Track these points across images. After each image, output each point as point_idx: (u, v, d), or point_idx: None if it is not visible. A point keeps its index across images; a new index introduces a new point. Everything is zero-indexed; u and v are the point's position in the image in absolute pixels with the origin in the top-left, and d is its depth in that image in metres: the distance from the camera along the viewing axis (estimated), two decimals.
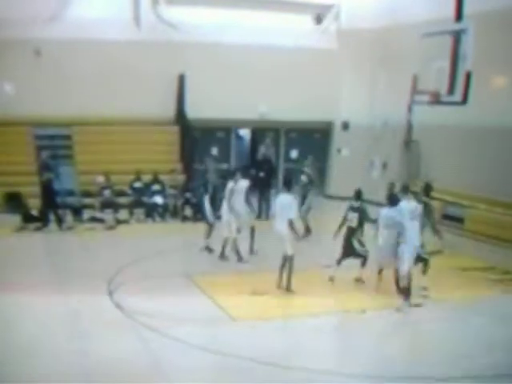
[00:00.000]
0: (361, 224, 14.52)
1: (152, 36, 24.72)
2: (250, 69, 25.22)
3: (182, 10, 25.27)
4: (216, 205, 17.20)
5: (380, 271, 14.32)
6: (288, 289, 13.96)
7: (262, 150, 23.96)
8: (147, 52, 24.20)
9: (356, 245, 14.52)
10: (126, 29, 24.55)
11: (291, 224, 13.82)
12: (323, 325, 12.30)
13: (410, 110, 22.59)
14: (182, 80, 25.22)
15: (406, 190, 13.95)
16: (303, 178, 20.17)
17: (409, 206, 13.39)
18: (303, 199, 19.51)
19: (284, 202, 14.05)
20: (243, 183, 16.50)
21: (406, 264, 13.10)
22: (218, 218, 17.02)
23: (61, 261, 16.33)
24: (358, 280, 14.65)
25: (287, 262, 13.99)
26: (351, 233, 14.52)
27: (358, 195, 14.74)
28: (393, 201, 13.77)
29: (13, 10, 22.07)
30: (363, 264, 14.63)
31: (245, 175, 16.94)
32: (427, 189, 15.03)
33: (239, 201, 16.27)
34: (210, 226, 17.29)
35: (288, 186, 14.45)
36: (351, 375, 9.92)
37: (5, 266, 15.23)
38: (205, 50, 24.66)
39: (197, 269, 15.55)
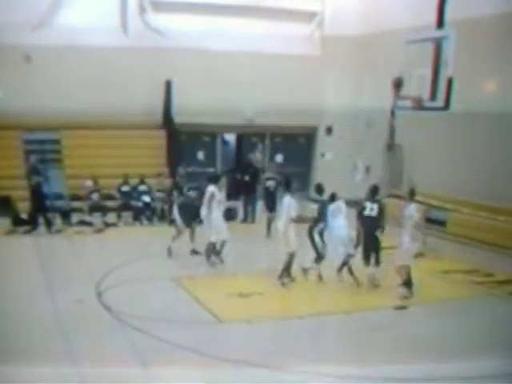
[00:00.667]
0: (320, 217, 15.08)
1: (139, 42, 25.00)
2: (236, 75, 25.41)
3: (169, 17, 25.52)
4: (187, 211, 17.49)
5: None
6: (280, 278, 14.53)
7: (256, 156, 24.29)
8: (135, 58, 24.42)
9: (316, 238, 15.09)
10: (113, 35, 24.78)
11: (294, 221, 14.43)
12: (310, 326, 12.46)
13: (392, 114, 22.85)
14: (168, 85, 25.38)
15: (413, 193, 14.42)
16: (270, 183, 20.67)
17: (418, 207, 14.27)
18: (273, 203, 20.11)
19: (284, 204, 14.64)
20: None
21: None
22: (200, 222, 17.27)
23: (50, 263, 16.45)
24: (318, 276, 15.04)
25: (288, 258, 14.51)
26: (313, 224, 15.14)
27: (333, 198, 15.24)
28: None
29: (2, 17, 22.31)
30: (316, 260, 15.08)
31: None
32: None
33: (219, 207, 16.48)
34: (179, 232, 17.42)
35: (287, 188, 15.00)
36: (340, 376, 10.04)
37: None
38: (191, 56, 24.93)
39: (184, 271, 15.69)
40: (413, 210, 14.11)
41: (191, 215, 17.45)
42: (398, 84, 18.12)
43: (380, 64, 23.90)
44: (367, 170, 24.88)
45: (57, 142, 24.54)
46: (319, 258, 15.09)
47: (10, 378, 9.31)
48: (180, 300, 13.83)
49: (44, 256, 17.30)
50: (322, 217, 15.04)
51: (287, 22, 26.84)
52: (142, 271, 15.72)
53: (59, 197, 21.77)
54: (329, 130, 27.78)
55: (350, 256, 14.84)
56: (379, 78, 23.47)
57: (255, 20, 26.27)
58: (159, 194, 22.41)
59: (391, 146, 24.24)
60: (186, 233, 17.36)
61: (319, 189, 15.46)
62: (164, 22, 25.54)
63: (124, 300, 13.28)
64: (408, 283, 14.11)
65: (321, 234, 15.08)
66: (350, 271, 14.86)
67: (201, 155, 27.30)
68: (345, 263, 14.88)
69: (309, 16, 27.67)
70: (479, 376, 9.91)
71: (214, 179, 16.94)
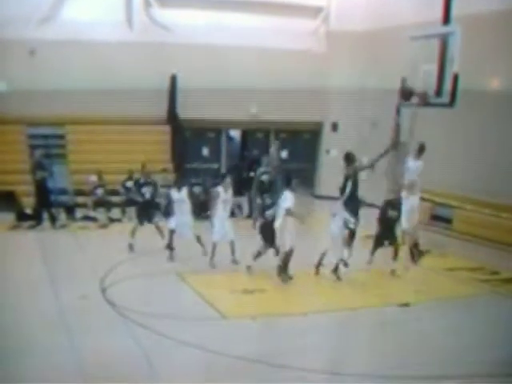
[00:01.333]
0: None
1: (144, 37, 24.96)
2: (241, 70, 25.28)
3: (174, 12, 25.53)
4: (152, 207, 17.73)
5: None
6: (279, 275, 14.60)
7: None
8: (140, 53, 24.34)
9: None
10: (118, 30, 24.72)
11: (289, 212, 14.25)
12: (313, 323, 12.37)
13: (398, 111, 22.70)
14: (173, 80, 25.40)
15: (422, 149, 14.36)
16: (265, 177, 20.56)
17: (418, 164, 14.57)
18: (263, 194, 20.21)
19: (281, 198, 14.55)
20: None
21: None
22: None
23: (54, 258, 16.43)
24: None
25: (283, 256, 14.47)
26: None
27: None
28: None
29: (7, 11, 22.27)
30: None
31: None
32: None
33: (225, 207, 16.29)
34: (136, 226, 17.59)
35: (287, 184, 14.89)
36: (342, 374, 10.03)
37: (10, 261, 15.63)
38: (197, 51, 24.84)
39: (188, 267, 15.64)
40: (420, 167, 14.11)
41: (148, 211, 17.65)
42: (405, 94, 17.94)
43: (386, 60, 23.80)
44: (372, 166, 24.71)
45: (61, 136, 24.60)
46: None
47: (10, 376, 9.30)
48: (184, 296, 13.81)
49: (48, 251, 17.27)
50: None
51: (293, 17, 26.76)
52: (146, 267, 15.74)
53: (64, 192, 21.93)
54: (334, 127, 27.76)
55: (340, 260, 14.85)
56: (385, 73, 23.39)
57: (261, 15, 26.23)
58: (163, 190, 22.35)
59: (396, 144, 24.07)
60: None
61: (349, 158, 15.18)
62: (169, 17, 25.54)
63: (128, 296, 13.30)
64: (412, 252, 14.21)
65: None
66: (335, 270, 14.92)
67: (205, 151, 27.31)
68: (337, 265, 14.91)
69: (314, 11, 27.64)
70: (483, 374, 9.89)
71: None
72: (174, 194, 16.69)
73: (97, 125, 24.35)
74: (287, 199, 14.35)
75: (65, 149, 24.40)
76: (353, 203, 14.73)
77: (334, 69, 26.83)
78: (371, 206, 17.26)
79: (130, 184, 22.29)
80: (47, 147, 22.74)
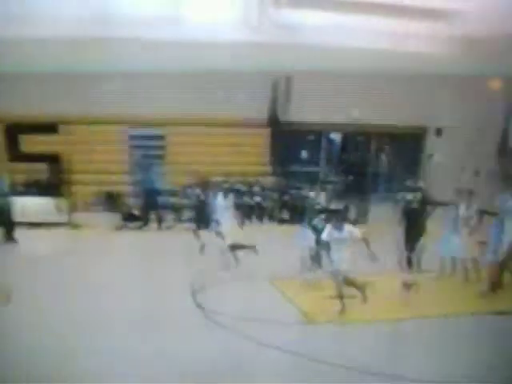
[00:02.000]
0: None
1: (259, 37, 24.56)
2: (344, 71, 24.80)
3: (292, 12, 25.20)
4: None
5: None
6: None
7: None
8: (252, 54, 24.07)
9: None
10: (232, 30, 24.73)
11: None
12: (409, 329, 12.28)
13: (506, 118, 22.13)
14: (288, 82, 25.43)
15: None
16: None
17: None
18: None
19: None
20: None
21: None
22: None
23: (150, 258, 16.78)
24: None
25: None
26: None
27: None
28: None
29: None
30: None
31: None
32: None
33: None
34: None
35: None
36: (426, 381, 9.74)
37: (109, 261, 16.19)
38: (308, 53, 24.42)
39: (278, 272, 15.37)
40: None
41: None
42: None
43: None
44: (476, 173, 24.19)
45: (161, 138, 24.95)
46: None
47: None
48: (272, 300, 13.72)
49: (147, 251, 17.65)
50: None
51: (422, 20, 25.91)
52: (235, 270, 15.76)
53: (172, 194, 22.23)
54: (438, 132, 27.21)
55: None
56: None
57: (383, 17, 25.69)
58: (269, 193, 22.52)
59: (503, 151, 23.49)
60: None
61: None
62: (287, 17, 24.95)
63: (218, 299, 13.39)
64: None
65: None
66: None
67: (304, 154, 27.29)
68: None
69: (445, 14, 26.86)
70: None
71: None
72: (220, 200, 16.74)
73: (196, 126, 24.61)
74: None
75: (165, 150, 24.76)
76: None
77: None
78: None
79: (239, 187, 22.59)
80: (147, 148, 23.34)
